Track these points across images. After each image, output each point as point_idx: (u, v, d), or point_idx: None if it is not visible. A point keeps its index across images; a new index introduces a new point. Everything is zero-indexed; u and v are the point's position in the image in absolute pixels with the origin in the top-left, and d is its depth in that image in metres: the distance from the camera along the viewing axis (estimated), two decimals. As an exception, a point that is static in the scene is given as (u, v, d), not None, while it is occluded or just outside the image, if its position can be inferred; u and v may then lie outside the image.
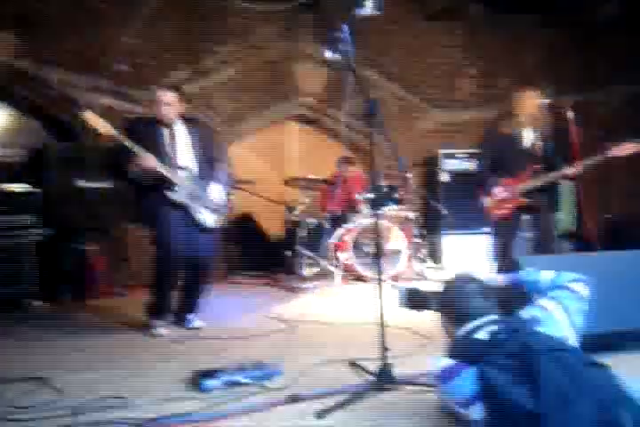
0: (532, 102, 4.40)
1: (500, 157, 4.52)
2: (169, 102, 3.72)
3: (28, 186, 4.89)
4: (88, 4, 5.79)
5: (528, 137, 4.48)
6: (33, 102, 5.86)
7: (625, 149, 4.10)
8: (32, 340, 3.67)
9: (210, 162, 3.91)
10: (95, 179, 5.26)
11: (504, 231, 4.59)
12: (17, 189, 4.82)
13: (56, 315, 4.45)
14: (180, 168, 3.74)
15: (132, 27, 5.88)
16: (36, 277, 4.77)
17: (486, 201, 4.53)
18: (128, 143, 3.49)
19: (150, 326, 3.77)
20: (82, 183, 5.24)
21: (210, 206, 3.80)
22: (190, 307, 3.95)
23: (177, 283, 3.87)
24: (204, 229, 3.79)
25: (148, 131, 3.74)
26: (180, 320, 3.93)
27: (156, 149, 3.66)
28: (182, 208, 3.71)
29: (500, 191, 4.44)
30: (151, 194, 3.71)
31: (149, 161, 3.53)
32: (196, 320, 3.92)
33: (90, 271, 5.10)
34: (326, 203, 6.48)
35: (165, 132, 3.78)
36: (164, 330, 3.76)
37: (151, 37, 6.14)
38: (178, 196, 3.68)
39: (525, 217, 4.62)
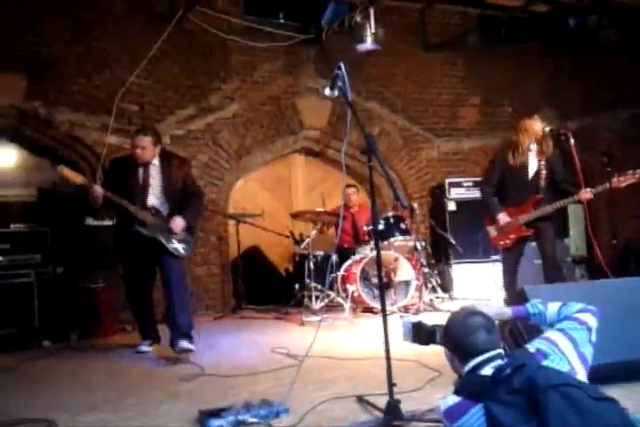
0: (534, 131, 4.44)
1: (504, 186, 4.56)
2: (144, 146, 4.11)
3: (36, 225, 4.94)
4: (95, 46, 5.94)
5: (532, 167, 4.51)
6: (42, 143, 5.97)
7: (625, 181, 4.17)
8: (40, 380, 3.66)
9: (184, 193, 4.28)
10: (102, 217, 5.31)
11: (509, 260, 4.61)
12: (25, 229, 4.86)
13: (64, 355, 4.43)
14: (147, 208, 4.14)
15: (139, 67, 6.01)
16: (45, 316, 4.77)
17: (490, 231, 4.56)
18: (90, 185, 4.02)
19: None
20: (90, 221, 5.29)
21: (178, 238, 4.18)
22: (176, 332, 4.06)
23: (148, 309, 4.38)
24: (173, 257, 4.16)
25: (125, 170, 4.19)
26: (173, 349, 4.04)
27: (130, 189, 4.12)
28: (154, 241, 4.10)
29: (502, 222, 4.47)
30: (121, 230, 4.22)
31: (98, 194, 3.97)
32: (183, 343, 3.99)
33: (98, 309, 5.10)
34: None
35: (140, 171, 4.19)
36: (144, 348, 4.29)
37: (157, 77, 6.29)
38: (148, 231, 4.08)
39: (533, 244, 4.62)
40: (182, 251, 4.21)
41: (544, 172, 4.49)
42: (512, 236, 4.50)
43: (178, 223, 4.15)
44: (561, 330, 2.02)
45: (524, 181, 4.51)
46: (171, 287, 4.10)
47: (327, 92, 2.92)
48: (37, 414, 2.85)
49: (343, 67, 2.86)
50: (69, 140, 5.93)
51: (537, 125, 4.47)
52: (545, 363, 1.86)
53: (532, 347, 1.94)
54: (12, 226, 4.87)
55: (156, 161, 4.22)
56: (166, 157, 4.28)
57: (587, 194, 4.27)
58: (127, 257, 4.30)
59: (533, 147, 4.50)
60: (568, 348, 1.95)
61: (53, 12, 5.72)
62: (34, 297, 4.75)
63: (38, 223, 5.00)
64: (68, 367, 4.00)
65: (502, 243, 4.57)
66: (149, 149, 4.13)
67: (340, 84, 2.85)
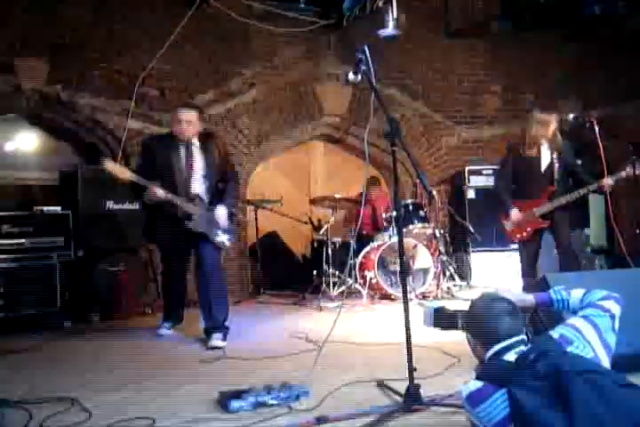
0: (548, 125, 4.42)
1: (518, 178, 4.57)
2: (190, 120, 3.91)
3: (58, 208, 5.00)
4: (117, 31, 5.95)
5: (545, 159, 4.49)
6: (63, 127, 6.02)
7: (633, 171, 4.16)
8: (62, 360, 3.71)
9: (223, 177, 4.14)
10: (123, 200, 5.35)
11: (527, 252, 4.61)
12: (47, 211, 4.92)
13: (85, 335, 4.49)
14: (193, 198, 3.98)
15: (160, 52, 6.01)
16: (66, 297, 4.84)
17: (506, 225, 4.57)
18: (143, 182, 3.81)
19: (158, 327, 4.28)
20: (111, 205, 5.34)
21: (223, 228, 4.05)
22: (211, 323, 3.97)
23: (180, 296, 4.35)
24: (213, 247, 4.03)
25: (165, 152, 3.96)
26: (208, 339, 3.96)
27: (172, 173, 3.93)
28: (197, 234, 3.97)
29: (515, 218, 4.47)
30: (164, 218, 4.03)
31: (159, 196, 3.81)
32: (215, 340, 3.88)
33: (118, 292, 5.16)
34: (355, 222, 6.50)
35: (182, 151, 3.97)
36: (164, 331, 4.27)
37: (178, 62, 6.29)
38: (196, 225, 3.94)
39: (549, 235, 4.60)
40: (227, 242, 4.13)
41: (557, 164, 4.49)
42: (529, 228, 4.50)
43: (222, 214, 4.02)
44: (584, 317, 2.01)
45: (537, 174, 4.53)
46: (208, 273, 3.98)
47: (351, 76, 2.89)
48: (60, 392, 2.89)
49: (367, 50, 2.83)
50: (91, 123, 5.98)
51: (551, 121, 4.45)
52: (569, 349, 1.85)
53: (555, 333, 1.93)
54: (34, 209, 4.92)
55: (195, 140, 4.02)
56: (206, 137, 4.11)
57: (608, 180, 4.25)
58: (164, 240, 4.15)
59: (545, 140, 4.48)
60: (592, 335, 1.94)
61: (76, -5, 5.73)
62: (56, 279, 4.81)
63: (60, 206, 5.05)
64: (89, 348, 4.06)
65: (519, 236, 4.57)
66: (195, 125, 3.95)
67: (363, 68, 2.82)
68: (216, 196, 4.10)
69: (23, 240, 4.73)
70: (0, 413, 2.60)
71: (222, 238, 4.07)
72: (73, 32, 5.75)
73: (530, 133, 4.50)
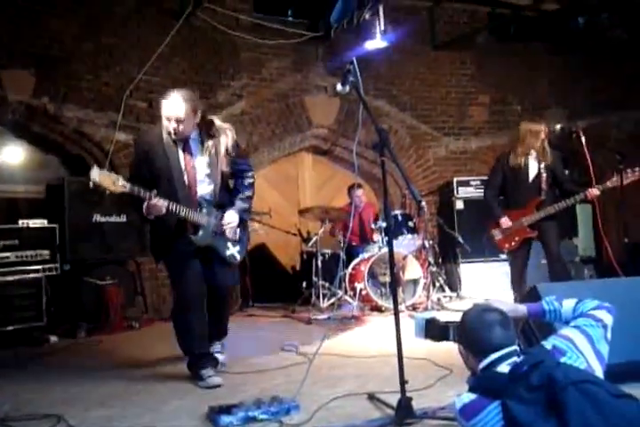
0: (536, 135, 4.48)
1: (507, 188, 4.62)
2: (180, 118, 3.16)
3: (44, 221, 4.94)
4: (104, 43, 5.93)
5: (533, 169, 4.54)
6: (50, 139, 5.97)
7: (631, 177, 4.20)
8: (48, 376, 3.65)
9: (231, 168, 3.44)
10: (111, 213, 5.30)
11: (516, 262, 4.64)
12: (33, 225, 4.86)
13: (72, 351, 4.43)
14: (199, 203, 3.34)
15: (147, 64, 6.00)
16: (53, 312, 4.77)
17: (495, 234, 4.60)
18: (138, 192, 3.10)
19: (200, 377, 3.27)
20: (98, 217, 5.29)
21: (232, 239, 3.47)
22: (214, 334, 3.64)
23: (201, 324, 3.43)
24: (225, 262, 3.46)
25: (160, 153, 3.27)
26: None
27: (170, 177, 3.25)
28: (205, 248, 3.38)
29: (505, 225, 4.51)
30: (168, 235, 3.34)
31: (161, 209, 3.13)
32: (219, 353, 3.65)
33: (106, 306, 5.10)
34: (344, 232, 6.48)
35: (180, 152, 3.30)
36: (211, 372, 3.29)
37: (166, 74, 6.27)
38: (202, 238, 3.33)
39: (537, 244, 4.62)
40: (238, 256, 3.50)
41: (544, 175, 4.53)
42: (517, 238, 4.55)
43: (231, 222, 3.39)
44: (577, 327, 2.00)
45: (525, 184, 4.58)
46: (225, 291, 3.58)
47: (339, 87, 2.89)
48: (46, 409, 2.84)
49: (355, 62, 2.84)
50: (77, 136, 5.92)
51: (538, 129, 4.51)
52: (562, 360, 1.84)
53: (548, 344, 1.92)
54: (20, 222, 4.86)
55: (194, 134, 3.33)
56: (205, 127, 3.35)
57: (594, 191, 4.29)
58: (179, 259, 3.35)
59: (533, 150, 4.53)
60: (584, 345, 1.92)
61: (63, 7, 5.70)
62: (42, 293, 4.75)
63: (46, 220, 4.99)
64: (76, 363, 4.00)
65: (507, 246, 4.61)
66: (189, 120, 3.18)
67: (352, 79, 2.82)
68: (226, 197, 3.45)
69: (8, 254, 4.67)
70: (-17, 431, 2.54)
71: (232, 251, 3.47)
72: (60, 44, 5.71)
73: (523, 143, 4.53)
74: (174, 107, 3.15)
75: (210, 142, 3.33)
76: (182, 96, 3.19)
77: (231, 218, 3.40)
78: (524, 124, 4.61)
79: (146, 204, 3.11)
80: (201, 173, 3.35)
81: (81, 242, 5.16)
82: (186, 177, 3.31)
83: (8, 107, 5.51)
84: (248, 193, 3.53)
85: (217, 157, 3.35)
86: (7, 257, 4.66)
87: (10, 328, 4.54)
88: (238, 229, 3.48)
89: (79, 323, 4.95)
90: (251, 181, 3.57)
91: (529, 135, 4.50)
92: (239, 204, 3.46)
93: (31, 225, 4.87)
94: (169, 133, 3.24)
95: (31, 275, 4.73)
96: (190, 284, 3.33)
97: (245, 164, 3.60)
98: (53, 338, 4.73)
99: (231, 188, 3.54)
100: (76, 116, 5.80)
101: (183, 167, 3.30)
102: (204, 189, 3.38)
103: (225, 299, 3.67)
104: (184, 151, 3.30)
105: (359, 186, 6.81)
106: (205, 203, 3.36)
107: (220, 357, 3.63)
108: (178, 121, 3.16)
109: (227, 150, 3.38)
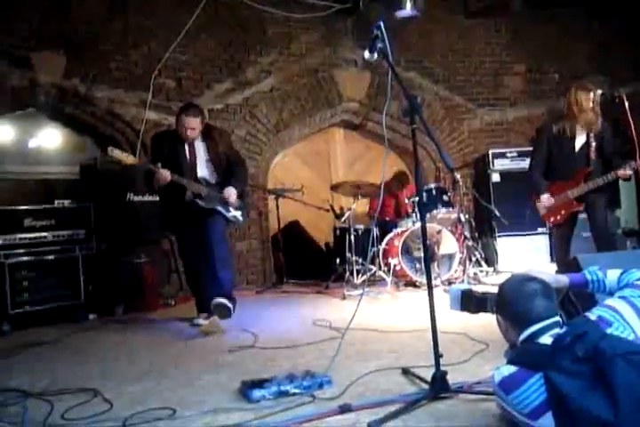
0: (585, 102, 4.21)
1: (552, 159, 4.38)
2: (194, 127, 4.18)
3: (79, 201, 4.99)
4: (132, 23, 5.90)
5: (580, 138, 4.31)
6: (82, 120, 6.01)
7: None
8: (84, 352, 3.70)
9: (228, 165, 4.38)
10: (144, 192, 5.33)
11: (560, 235, 4.48)
12: (69, 205, 4.91)
13: (109, 328, 4.49)
14: (199, 180, 4.24)
15: (175, 42, 5.96)
16: (90, 290, 4.84)
17: (540, 208, 4.40)
18: (150, 166, 4.08)
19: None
20: (131, 197, 5.32)
21: (234, 206, 4.33)
22: (216, 288, 4.05)
23: (208, 286, 4.22)
24: (216, 218, 4.22)
25: (171, 146, 4.24)
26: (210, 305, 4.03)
27: (179, 163, 4.19)
28: (205, 210, 4.18)
29: (551, 198, 4.31)
30: (172, 202, 4.27)
31: (166, 177, 4.02)
32: (219, 299, 3.96)
33: (141, 284, 5.15)
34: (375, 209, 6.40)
35: (186, 147, 4.26)
36: (201, 321, 4.22)
37: (194, 51, 6.24)
38: (208, 202, 4.20)
39: (582, 216, 4.44)
40: (240, 218, 4.43)
41: (593, 144, 4.28)
42: (563, 211, 4.33)
43: (231, 192, 4.26)
44: (623, 298, 1.90)
45: (572, 154, 4.32)
46: (213, 243, 4.11)
47: (366, 55, 2.78)
48: (82, 383, 2.88)
49: (383, 27, 2.72)
50: (109, 116, 5.95)
51: (587, 97, 4.24)
52: (609, 331, 1.75)
53: (593, 315, 1.83)
54: (56, 202, 4.92)
55: (199, 136, 4.29)
56: (208, 131, 4.35)
57: (623, 171, 4.07)
58: (180, 229, 4.37)
59: (582, 117, 4.27)
60: (632, 316, 1.83)
61: (89, -12, 5.69)
62: (79, 272, 4.81)
63: (81, 200, 5.04)
64: (112, 340, 4.05)
65: (552, 219, 4.41)
66: (198, 129, 4.22)
67: (380, 45, 2.71)
68: (224, 181, 4.33)
69: (45, 234, 4.73)
70: (22, 405, 2.58)
71: (235, 213, 4.36)
72: (88, 25, 5.71)
73: (571, 109, 4.25)
74: (192, 119, 4.17)
75: (211, 142, 4.31)
76: (197, 111, 4.26)
77: (229, 190, 4.27)
78: (574, 87, 4.32)
79: (156, 174, 4.01)
80: (202, 161, 4.31)
81: (115, 221, 5.20)
82: (190, 163, 4.25)
83: (40, 89, 5.56)
84: (242, 177, 4.45)
85: (216, 153, 4.32)
86: (44, 237, 4.72)
87: (48, 307, 4.62)
88: (238, 200, 4.34)
89: (116, 301, 5.02)
90: (243, 169, 4.53)
91: (579, 100, 4.23)
92: (234, 182, 4.32)
93: (67, 205, 4.91)
94: (183, 137, 4.20)
95: (68, 254, 4.79)
96: (189, 258, 4.34)
97: (238, 158, 4.57)
98: (92, 315, 4.81)
99: (228, 175, 4.38)
100: (106, 96, 5.83)
101: (188, 157, 4.27)
102: (204, 172, 4.31)
103: (214, 241, 4.13)
104: (190, 147, 4.28)
105: (406, 181, 6.61)
106: (205, 182, 4.28)
107: (223, 301, 3.98)
108: (192, 129, 4.17)
109: (223, 149, 4.36)
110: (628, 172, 4.09)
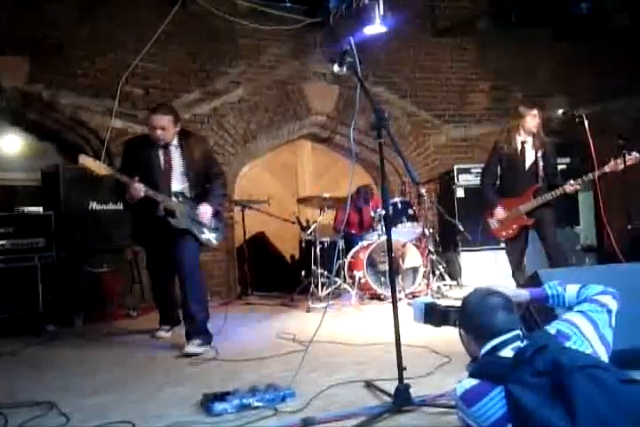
0: (533, 121, 4.42)
1: (503, 176, 4.57)
2: (164, 126, 3.80)
3: (40, 209, 4.88)
4: (100, 29, 5.84)
5: (530, 157, 4.48)
6: (46, 126, 5.90)
7: (618, 165, 4.14)
8: (43, 364, 3.60)
9: (206, 175, 4.04)
10: (107, 200, 5.24)
11: (514, 250, 4.60)
12: (29, 212, 4.80)
13: (68, 339, 4.38)
14: (175, 194, 3.90)
15: (144, 50, 5.91)
16: (49, 300, 4.72)
17: (491, 223, 4.56)
18: (122, 178, 3.72)
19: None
20: (94, 205, 5.23)
21: (208, 226, 3.97)
22: (192, 328, 3.78)
23: (172, 299, 4.30)
24: (188, 240, 3.88)
25: (144, 153, 3.89)
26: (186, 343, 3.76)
27: (152, 172, 3.85)
28: (179, 230, 3.85)
29: (499, 216, 4.47)
30: (143, 215, 3.94)
31: (140, 191, 3.69)
32: (191, 346, 3.66)
33: (102, 294, 5.05)
34: (340, 221, 6.41)
35: (160, 154, 3.90)
36: (163, 333, 4.23)
37: (162, 60, 6.19)
38: (178, 222, 3.83)
39: (534, 232, 4.57)
40: (214, 241, 4.02)
41: (541, 163, 4.49)
42: (514, 226, 4.51)
43: (206, 212, 3.90)
44: (581, 312, 1.95)
45: (522, 171, 4.55)
46: (185, 271, 3.82)
47: (336, 68, 2.83)
48: (40, 396, 2.80)
49: (352, 42, 2.76)
50: (73, 123, 5.86)
51: (536, 112, 4.45)
52: (567, 345, 1.78)
53: (552, 329, 1.87)
54: (15, 210, 4.80)
55: (175, 141, 3.92)
56: (184, 137, 3.99)
57: (571, 187, 4.27)
58: (149, 243, 4.14)
59: (530, 138, 4.49)
60: (589, 330, 1.87)
61: (58, -7, 5.61)
62: (38, 281, 4.68)
63: (42, 207, 4.93)
64: (71, 352, 3.95)
65: (504, 233, 4.58)
66: (170, 129, 3.82)
67: (349, 59, 2.75)
68: (201, 195, 3.99)
69: (4, 242, 4.60)
70: (-26, 418, 2.50)
71: (208, 236, 3.98)
72: (56, 30, 5.62)
73: (519, 129, 4.50)
74: (160, 116, 3.80)
75: (187, 149, 3.94)
76: (166, 109, 3.90)
77: (205, 209, 3.90)
78: (520, 108, 4.54)
79: (129, 187, 3.67)
80: (177, 171, 3.92)
81: (77, 230, 5.10)
82: (164, 174, 3.88)
83: (3, 94, 5.44)
84: (221, 191, 4.11)
85: (192, 161, 3.94)
86: (2, 245, 4.59)
87: (5, 317, 4.48)
88: (214, 220, 3.99)
89: (76, 311, 4.90)
90: (223, 182, 4.17)
91: (531, 118, 4.44)
92: (212, 199, 3.97)
93: (26, 212, 4.80)
94: (154, 139, 3.83)
95: (26, 263, 4.66)
96: (157, 272, 4.19)
97: (217, 168, 4.19)
98: (50, 326, 4.68)
99: (206, 188, 4.05)
100: (71, 103, 5.73)
101: (163, 166, 3.90)
102: (180, 185, 3.93)
103: (192, 277, 3.84)
104: (165, 154, 3.90)
105: (371, 194, 6.51)
106: (181, 196, 3.91)
107: (196, 350, 3.64)
108: (162, 128, 3.79)
109: (201, 156, 3.99)
110: (576, 186, 4.24)
